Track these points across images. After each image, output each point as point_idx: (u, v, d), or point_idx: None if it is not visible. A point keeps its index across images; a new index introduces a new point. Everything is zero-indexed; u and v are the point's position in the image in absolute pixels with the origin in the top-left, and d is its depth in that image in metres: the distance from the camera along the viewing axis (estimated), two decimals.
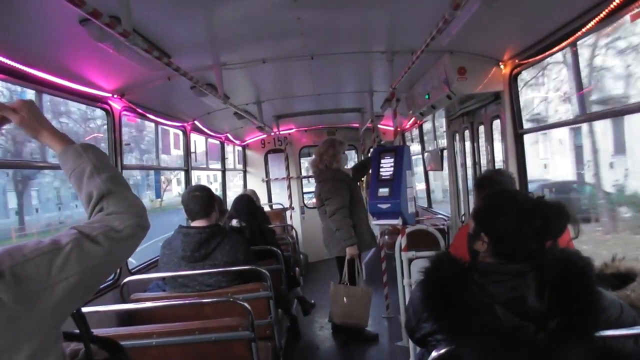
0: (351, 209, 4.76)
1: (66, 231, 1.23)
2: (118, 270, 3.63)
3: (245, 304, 2.66)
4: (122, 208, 1.33)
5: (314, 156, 5.12)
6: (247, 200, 4.60)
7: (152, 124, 4.78)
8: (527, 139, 3.82)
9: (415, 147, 7.64)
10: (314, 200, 5.52)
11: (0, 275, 1.03)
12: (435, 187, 8.07)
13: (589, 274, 1.55)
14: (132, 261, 4.06)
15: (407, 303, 4.28)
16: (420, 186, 8.15)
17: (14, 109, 1.35)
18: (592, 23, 2.47)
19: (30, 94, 2.79)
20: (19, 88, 2.85)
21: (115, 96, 3.64)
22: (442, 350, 1.60)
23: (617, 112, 2.84)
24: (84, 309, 2.46)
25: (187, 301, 2.99)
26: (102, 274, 1.27)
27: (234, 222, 4.39)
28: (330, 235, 4.86)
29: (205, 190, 3.38)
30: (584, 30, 2.59)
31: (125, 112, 3.83)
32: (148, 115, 4.27)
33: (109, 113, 3.65)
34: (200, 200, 3.29)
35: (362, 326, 4.80)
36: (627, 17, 2.32)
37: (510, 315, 1.51)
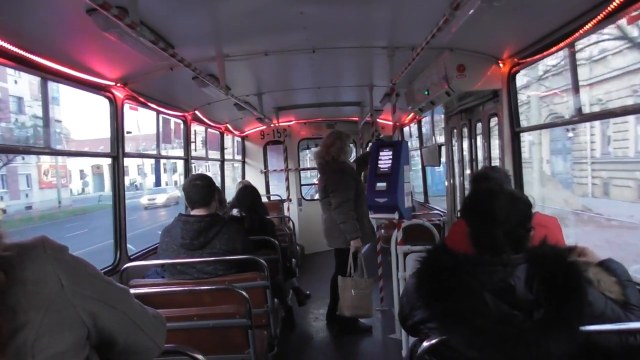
0: (355, 202, 4.80)
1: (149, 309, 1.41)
2: (117, 256, 3.69)
3: (243, 292, 2.71)
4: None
5: (320, 147, 5.10)
6: (251, 191, 4.65)
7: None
8: None
9: (413, 143, 7.70)
10: (316, 191, 5.53)
11: (68, 266, 1.11)
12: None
13: (577, 269, 1.62)
14: (132, 248, 4.11)
15: (401, 293, 4.36)
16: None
17: None
18: (590, 24, 2.52)
19: (35, 81, 2.82)
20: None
21: (118, 85, 3.68)
22: (434, 340, 1.66)
23: (612, 113, 2.89)
24: None
25: (185, 288, 3.05)
26: (144, 335, 1.34)
27: (234, 212, 4.44)
28: (332, 227, 4.88)
29: (206, 180, 3.43)
30: (581, 31, 2.63)
31: (127, 101, 3.87)
32: (149, 104, 4.31)
33: (112, 101, 3.69)
34: (201, 189, 3.33)
35: (369, 316, 4.87)
36: (624, 19, 2.37)
37: (499, 303, 1.59)
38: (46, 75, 2.87)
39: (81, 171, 43.78)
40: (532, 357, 1.51)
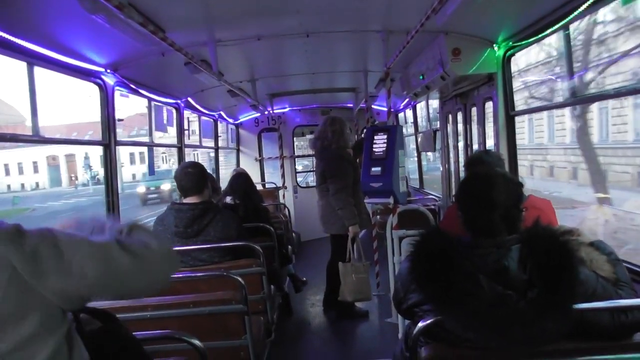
0: (352, 189, 4.79)
1: (109, 233, 1.26)
2: None
3: (239, 279, 2.71)
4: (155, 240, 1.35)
5: (317, 133, 5.07)
6: (244, 179, 4.64)
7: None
8: None
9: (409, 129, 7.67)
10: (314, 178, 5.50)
11: (23, 249, 1.06)
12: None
13: (570, 248, 1.63)
14: None
15: (392, 273, 4.37)
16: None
17: None
18: (584, 6, 2.50)
19: (21, 67, 2.76)
20: None
21: (108, 71, 3.62)
22: (429, 321, 1.67)
23: (607, 95, 2.88)
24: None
25: (181, 275, 3.04)
26: (126, 284, 1.25)
27: (228, 199, 4.42)
28: (329, 213, 4.87)
29: (198, 167, 3.41)
30: (576, 13, 2.61)
31: (118, 88, 3.81)
32: (141, 91, 4.26)
33: (102, 88, 3.63)
34: (193, 177, 3.31)
35: (369, 299, 4.90)
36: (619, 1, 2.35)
37: (494, 284, 1.59)
38: (33, 60, 2.81)
39: (34, 163, 39.45)
40: (526, 336, 1.52)
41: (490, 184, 1.78)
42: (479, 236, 1.76)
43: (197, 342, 2.00)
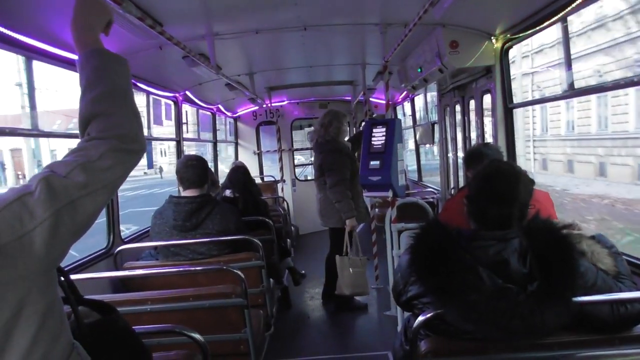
0: (350, 182, 4.81)
1: (40, 171, 1.13)
2: (111, 239, 3.67)
3: (239, 272, 2.72)
4: (102, 132, 1.18)
5: (317, 126, 5.08)
6: (243, 172, 4.65)
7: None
8: None
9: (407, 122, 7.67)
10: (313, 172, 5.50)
11: None
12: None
13: (569, 241, 1.64)
14: (125, 231, 4.09)
15: (391, 266, 4.38)
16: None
17: None
18: None
19: (19, 60, 2.75)
20: None
21: None
22: (429, 314, 1.68)
23: (605, 87, 2.88)
24: (78, 276, 2.51)
25: (180, 269, 3.05)
26: (85, 210, 1.12)
27: (227, 193, 4.43)
28: (327, 206, 4.89)
29: (200, 160, 3.42)
30: (573, 5, 2.61)
31: None
32: (139, 84, 4.24)
33: None
34: (196, 170, 3.32)
35: (366, 294, 4.94)
36: None
37: (494, 277, 1.60)
38: (31, 54, 2.80)
39: None
40: (526, 329, 1.54)
41: (516, 180, 1.78)
42: (484, 228, 1.76)
43: (197, 335, 2.01)
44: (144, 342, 1.54)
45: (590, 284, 1.65)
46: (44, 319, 1.06)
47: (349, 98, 8.30)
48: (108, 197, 1.18)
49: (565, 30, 2.95)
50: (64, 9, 2.58)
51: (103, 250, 3.55)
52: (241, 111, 8.72)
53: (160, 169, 35.14)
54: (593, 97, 15.92)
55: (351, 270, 4.73)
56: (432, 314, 1.67)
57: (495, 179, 1.82)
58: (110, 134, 1.18)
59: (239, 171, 4.69)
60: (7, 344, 1.00)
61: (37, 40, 2.76)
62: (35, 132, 3.09)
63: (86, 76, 1.25)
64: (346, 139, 5.31)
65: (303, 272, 5.69)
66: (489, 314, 1.56)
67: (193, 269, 3.03)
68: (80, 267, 3.16)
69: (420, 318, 1.69)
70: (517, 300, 1.56)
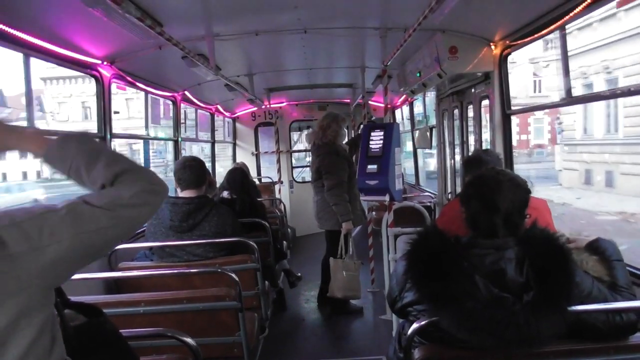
0: (347, 185, 4.80)
1: (72, 199, 1.20)
2: None
3: (233, 275, 2.70)
4: (131, 180, 1.29)
5: (315, 129, 5.06)
6: (240, 174, 4.63)
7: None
8: None
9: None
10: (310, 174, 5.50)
11: None
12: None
13: (566, 251, 1.64)
14: None
15: (387, 271, 4.38)
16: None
17: None
18: (581, 7, 2.50)
19: (18, 57, 2.74)
20: None
21: (105, 63, 3.60)
22: (424, 322, 1.67)
23: (602, 96, 2.88)
24: (73, 277, 2.48)
25: (175, 270, 3.03)
26: (105, 239, 1.20)
27: (225, 194, 4.42)
28: (324, 208, 4.88)
29: (199, 161, 3.41)
30: (571, 14, 2.61)
31: (114, 80, 3.79)
32: (138, 83, 4.24)
33: (98, 80, 3.61)
34: (195, 171, 3.31)
35: (358, 298, 4.93)
36: (615, 2, 2.35)
37: (490, 286, 1.59)
38: (29, 51, 2.79)
39: None
40: (521, 338, 1.53)
41: (497, 188, 1.78)
42: (479, 235, 1.76)
43: (189, 339, 1.99)
44: (131, 346, 1.52)
45: (585, 293, 1.65)
46: (39, 333, 1.08)
47: (348, 101, 8.30)
48: (129, 232, 1.28)
49: (563, 37, 2.96)
50: (64, 7, 2.59)
51: None
52: (240, 112, 8.71)
53: None
54: None
55: (344, 274, 4.72)
56: (426, 321, 1.66)
57: (479, 186, 1.83)
58: (139, 177, 1.30)
59: (236, 172, 4.67)
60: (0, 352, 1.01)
61: (36, 37, 2.76)
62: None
63: (80, 155, 1.29)
64: (344, 141, 5.31)
65: (299, 274, 5.67)
66: (484, 322, 1.55)
67: (188, 271, 3.01)
68: None
69: (415, 325, 1.68)
70: (513, 309, 1.55)
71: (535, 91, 27.25)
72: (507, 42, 3.63)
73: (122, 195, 1.23)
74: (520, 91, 25.12)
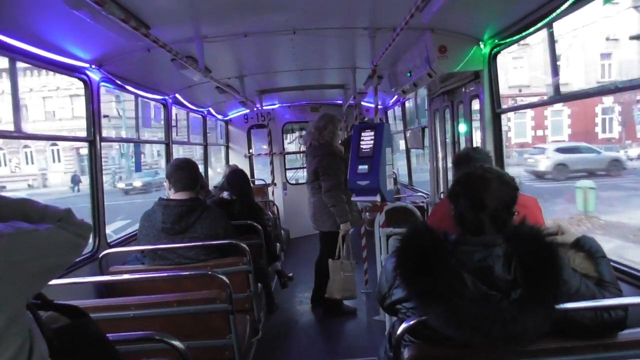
0: (344, 186, 4.79)
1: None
2: (96, 243, 3.63)
3: (223, 277, 2.69)
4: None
5: (311, 130, 5.05)
6: (241, 175, 4.64)
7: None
8: None
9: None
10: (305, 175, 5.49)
11: None
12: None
13: (554, 249, 1.64)
14: (111, 234, 4.05)
15: (380, 271, 4.38)
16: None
17: None
18: (567, 4, 2.51)
19: (3, 63, 2.72)
20: None
21: (93, 67, 3.57)
22: (412, 322, 1.67)
23: (591, 93, 2.89)
24: (59, 281, 2.46)
25: (165, 274, 3.01)
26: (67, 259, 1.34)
27: (225, 195, 4.42)
28: (321, 210, 4.87)
29: (191, 163, 3.41)
30: (558, 11, 2.62)
31: (103, 83, 3.76)
32: (127, 87, 4.21)
33: (87, 84, 3.59)
34: (187, 173, 3.31)
35: (355, 297, 4.94)
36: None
37: (477, 283, 1.59)
38: (15, 56, 2.76)
39: None
40: (508, 335, 1.53)
41: (483, 185, 1.78)
42: (467, 232, 1.77)
43: (177, 343, 1.98)
44: (119, 350, 1.51)
45: (573, 291, 1.65)
46: (23, 340, 1.11)
47: (341, 102, 8.30)
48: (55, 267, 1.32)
49: (551, 35, 2.97)
50: (49, 11, 2.57)
51: (87, 254, 3.51)
52: (232, 114, 8.69)
53: (76, 181, 29.32)
54: None
55: (342, 275, 4.72)
56: (415, 320, 1.66)
57: (466, 184, 1.84)
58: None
59: (236, 174, 4.68)
60: None
61: (22, 41, 2.74)
62: (16, 135, 3.04)
63: None
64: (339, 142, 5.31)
65: (290, 274, 5.66)
66: (470, 319, 1.55)
67: (178, 273, 2.99)
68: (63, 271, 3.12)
69: (404, 325, 1.68)
70: (500, 306, 1.55)
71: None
72: (496, 40, 3.64)
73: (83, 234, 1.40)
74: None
